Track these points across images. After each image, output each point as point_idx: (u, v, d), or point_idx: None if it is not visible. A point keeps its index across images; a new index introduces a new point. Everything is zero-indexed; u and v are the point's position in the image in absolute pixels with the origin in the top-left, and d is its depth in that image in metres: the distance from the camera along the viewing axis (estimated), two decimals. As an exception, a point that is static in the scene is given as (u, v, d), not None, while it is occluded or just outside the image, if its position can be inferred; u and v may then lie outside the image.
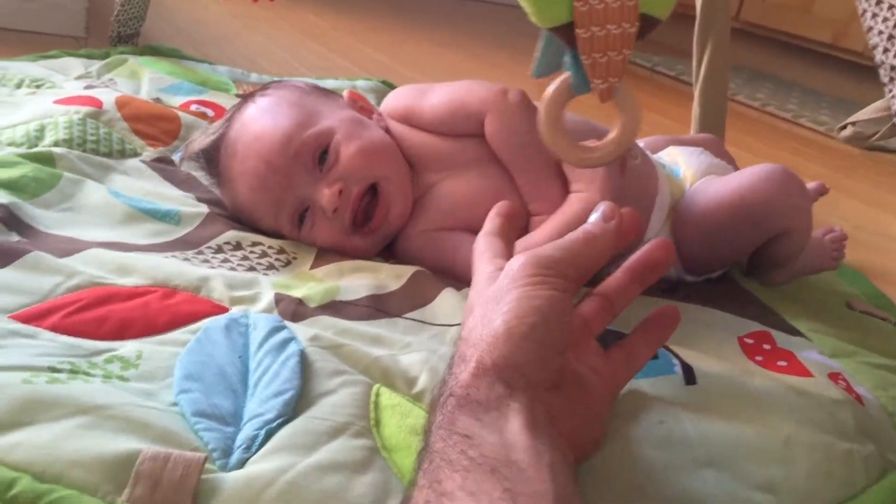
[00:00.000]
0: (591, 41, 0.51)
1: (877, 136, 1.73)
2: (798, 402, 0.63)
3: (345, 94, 0.86)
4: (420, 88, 0.84)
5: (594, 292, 0.57)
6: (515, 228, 0.61)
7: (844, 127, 1.79)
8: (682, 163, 0.89)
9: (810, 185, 1.02)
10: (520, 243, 0.67)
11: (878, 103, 1.74)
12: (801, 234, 0.82)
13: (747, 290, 0.86)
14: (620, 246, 0.53)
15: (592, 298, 0.56)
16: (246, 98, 0.85)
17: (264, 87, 0.85)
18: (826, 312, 0.82)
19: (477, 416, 0.42)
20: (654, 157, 0.89)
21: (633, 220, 0.55)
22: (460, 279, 0.74)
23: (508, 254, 0.55)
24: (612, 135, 0.57)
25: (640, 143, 0.94)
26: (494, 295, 0.48)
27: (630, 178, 0.80)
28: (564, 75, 0.54)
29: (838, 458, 0.57)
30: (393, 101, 0.85)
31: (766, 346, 0.75)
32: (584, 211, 0.63)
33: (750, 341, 0.75)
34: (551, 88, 0.55)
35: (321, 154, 0.76)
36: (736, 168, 0.94)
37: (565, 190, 0.77)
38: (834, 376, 0.68)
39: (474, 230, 0.76)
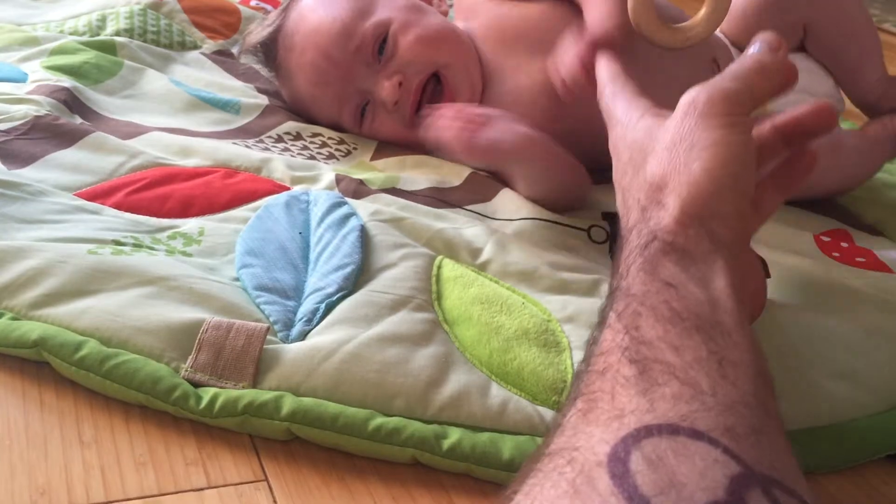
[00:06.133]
0: None
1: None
2: (877, 295, 0.60)
3: None
4: None
5: None
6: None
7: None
8: None
9: None
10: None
11: None
12: None
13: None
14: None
15: None
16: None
17: None
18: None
19: (683, 267, 0.38)
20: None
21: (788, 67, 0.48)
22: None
23: (643, 93, 0.50)
24: (701, 13, 0.54)
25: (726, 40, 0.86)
26: (683, 136, 0.43)
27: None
28: None
29: (921, 349, 0.55)
30: None
31: (844, 244, 0.72)
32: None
33: (827, 239, 0.72)
34: None
35: (380, 45, 0.74)
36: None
37: None
38: (917, 272, 0.65)
39: (534, 124, 0.74)
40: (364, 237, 0.56)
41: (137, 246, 0.55)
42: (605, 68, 0.55)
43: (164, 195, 0.60)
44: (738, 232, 0.42)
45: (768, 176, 0.52)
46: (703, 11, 0.53)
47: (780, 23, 0.77)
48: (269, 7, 1.09)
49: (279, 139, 0.76)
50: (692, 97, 0.45)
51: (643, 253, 0.40)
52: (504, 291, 0.53)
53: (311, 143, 0.76)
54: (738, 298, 0.38)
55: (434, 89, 0.74)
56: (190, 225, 0.58)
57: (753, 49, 0.47)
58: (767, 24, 0.77)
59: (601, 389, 0.33)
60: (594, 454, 0.29)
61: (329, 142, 0.76)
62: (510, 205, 0.68)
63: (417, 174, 0.71)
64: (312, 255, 0.55)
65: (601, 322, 0.38)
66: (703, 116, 0.43)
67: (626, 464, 0.28)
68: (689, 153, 0.43)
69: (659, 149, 0.44)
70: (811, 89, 0.79)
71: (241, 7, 1.03)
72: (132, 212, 0.59)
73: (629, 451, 0.29)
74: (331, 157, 0.74)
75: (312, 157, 0.73)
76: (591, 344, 0.37)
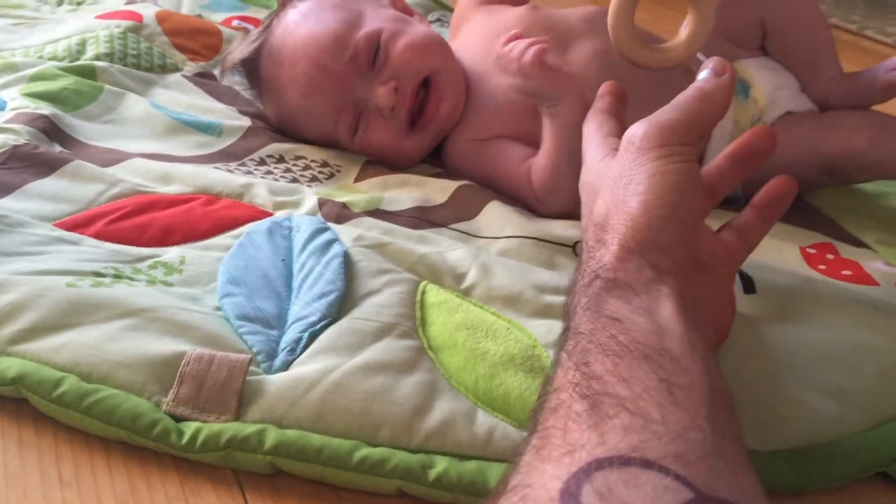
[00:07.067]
0: None
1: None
2: (865, 309, 0.60)
3: None
4: None
5: None
6: (625, 108, 0.56)
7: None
8: (750, 79, 0.79)
9: None
10: None
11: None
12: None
13: (810, 202, 0.83)
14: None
15: None
16: (284, 4, 0.82)
17: None
18: (893, 224, 0.78)
19: (626, 300, 0.39)
20: None
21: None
22: (498, 191, 0.72)
23: (621, 132, 0.50)
24: (683, 34, 0.54)
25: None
26: (622, 173, 0.44)
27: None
28: None
29: (908, 364, 0.54)
30: None
31: (830, 256, 0.72)
32: None
33: (812, 251, 0.72)
34: None
35: (374, 55, 0.75)
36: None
37: None
38: (902, 285, 0.65)
39: (517, 137, 0.74)
40: (347, 263, 0.55)
41: (118, 277, 0.54)
42: (598, 100, 0.55)
43: (144, 224, 0.59)
44: (682, 259, 0.42)
45: (752, 207, 0.53)
46: (683, 34, 0.53)
47: (738, 21, 0.78)
48: (250, 27, 1.09)
49: (262, 162, 0.75)
50: (630, 133, 0.46)
51: (587, 292, 0.40)
52: (489, 316, 0.53)
53: (295, 165, 0.76)
54: (687, 324, 0.38)
55: (425, 97, 0.75)
56: (171, 254, 0.57)
57: (700, 76, 0.49)
58: (725, 23, 0.78)
59: (554, 426, 0.33)
60: (546, 490, 0.29)
61: (312, 164, 0.76)
62: (494, 222, 0.67)
63: (401, 193, 0.71)
64: (295, 283, 0.55)
65: (555, 362, 0.38)
66: (640, 151, 0.44)
67: (577, 498, 0.28)
68: (627, 189, 0.44)
69: (604, 188, 0.45)
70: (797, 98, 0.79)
71: (222, 28, 1.03)
72: (112, 241, 0.58)
73: (580, 485, 0.29)
74: (314, 179, 0.74)
75: (295, 180, 0.72)
76: (546, 384, 0.38)
